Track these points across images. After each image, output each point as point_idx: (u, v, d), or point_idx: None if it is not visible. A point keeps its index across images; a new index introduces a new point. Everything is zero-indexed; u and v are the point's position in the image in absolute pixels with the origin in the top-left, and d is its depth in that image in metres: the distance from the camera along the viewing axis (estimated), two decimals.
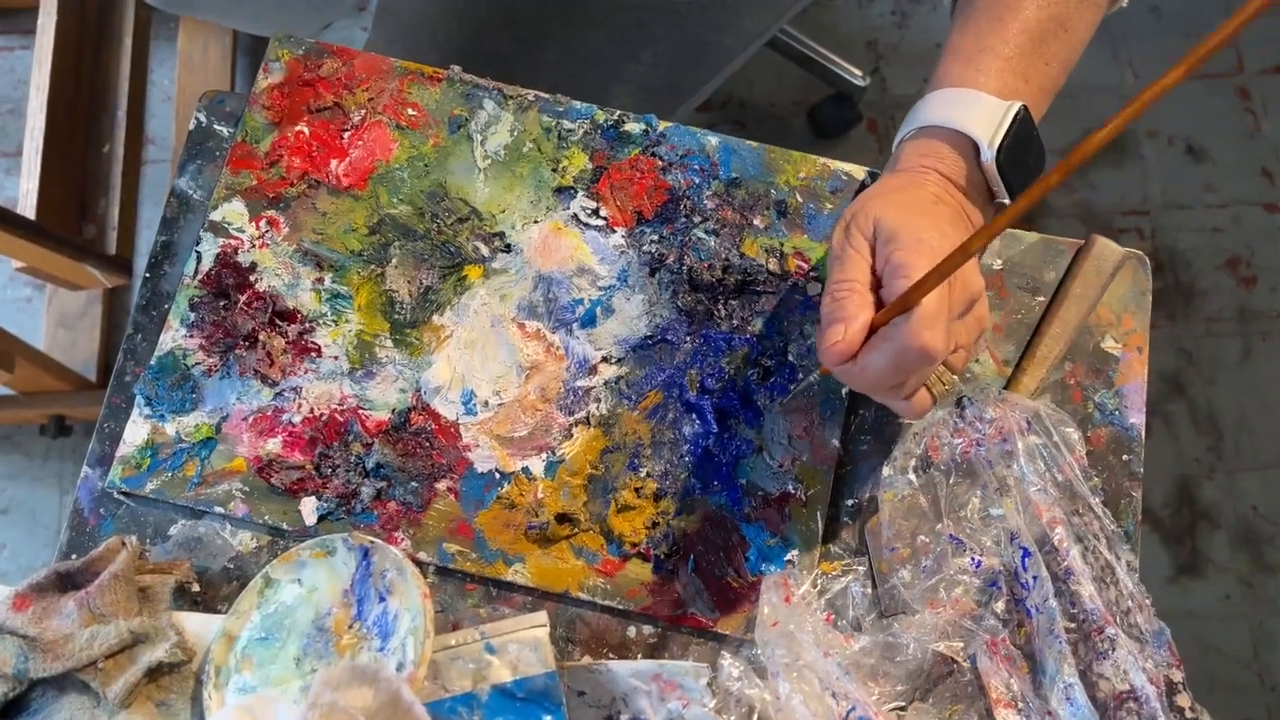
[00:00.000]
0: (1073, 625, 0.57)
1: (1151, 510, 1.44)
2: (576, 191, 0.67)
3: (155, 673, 0.56)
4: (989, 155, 0.57)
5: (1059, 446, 0.61)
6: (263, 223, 0.66)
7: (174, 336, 0.64)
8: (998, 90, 0.58)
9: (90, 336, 1.36)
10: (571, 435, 0.63)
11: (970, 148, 0.58)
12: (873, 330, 0.52)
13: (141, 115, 1.41)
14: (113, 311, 1.39)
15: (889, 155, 0.62)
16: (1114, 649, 0.56)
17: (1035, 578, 0.58)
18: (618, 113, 0.69)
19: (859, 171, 0.68)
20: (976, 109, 0.58)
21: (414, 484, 0.62)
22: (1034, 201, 0.48)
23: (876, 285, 0.54)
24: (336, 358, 0.64)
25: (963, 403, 0.62)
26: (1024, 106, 0.58)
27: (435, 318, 0.65)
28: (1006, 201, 0.59)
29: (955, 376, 0.58)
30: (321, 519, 0.61)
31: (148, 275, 0.67)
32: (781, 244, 0.67)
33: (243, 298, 0.65)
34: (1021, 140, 0.58)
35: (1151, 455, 1.44)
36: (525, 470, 0.62)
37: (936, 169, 0.58)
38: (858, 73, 1.47)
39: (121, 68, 1.38)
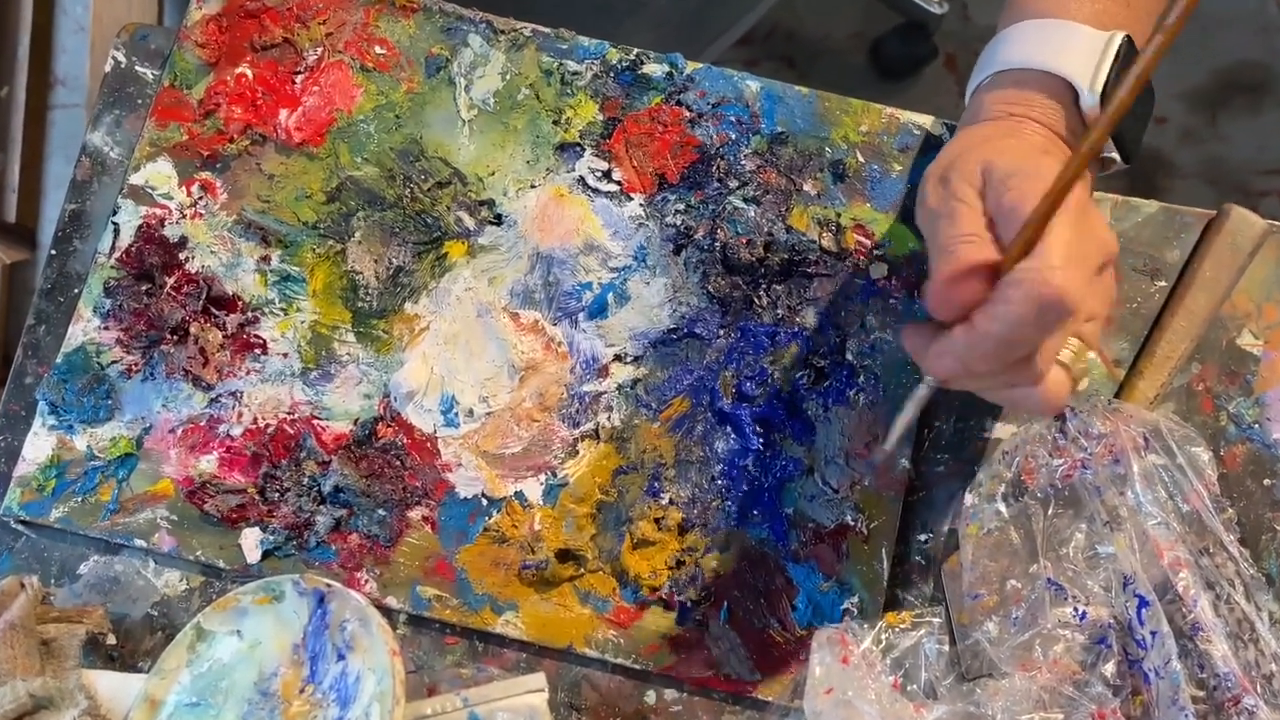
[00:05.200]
0: (1201, 693, 0.57)
1: None
2: (584, 149, 0.67)
3: None
4: (1090, 100, 0.57)
5: (1184, 469, 0.60)
6: (195, 187, 0.66)
7: (85, 329, 0.64)
8: (1093, 19, 0.58)
9: None
10: (576, 452, 0.63)
11: (1068, 92, 0.58)
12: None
13: (49, 51, 1.42)
14: (13, 292, 1.40)
15: None
16: None
17: (1154, 633, 0.58)
18: (635, 51, 0.68)
19: (934, 124, 0.68)
20: (1071, 45, 0.58)
21: (381, 512, 0.62)
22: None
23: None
24: (286, 355, 0.64)
25: (1064, 414, 0.62)
26: (1127, 37, 0.57)
27: (408, 306, 0.65)
28: (1115, 156, 0.60)
29: (1092, 354, 0.57)
30: (266, 555, 0.61)
31: (54, 252, 0.67)
32: (838, 215, 0.66)
33: (170, 280, 0.65)
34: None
35: None
36: (519, 495, 0.62)
37: (1031, 118, 0.58)
38: None
39: None
